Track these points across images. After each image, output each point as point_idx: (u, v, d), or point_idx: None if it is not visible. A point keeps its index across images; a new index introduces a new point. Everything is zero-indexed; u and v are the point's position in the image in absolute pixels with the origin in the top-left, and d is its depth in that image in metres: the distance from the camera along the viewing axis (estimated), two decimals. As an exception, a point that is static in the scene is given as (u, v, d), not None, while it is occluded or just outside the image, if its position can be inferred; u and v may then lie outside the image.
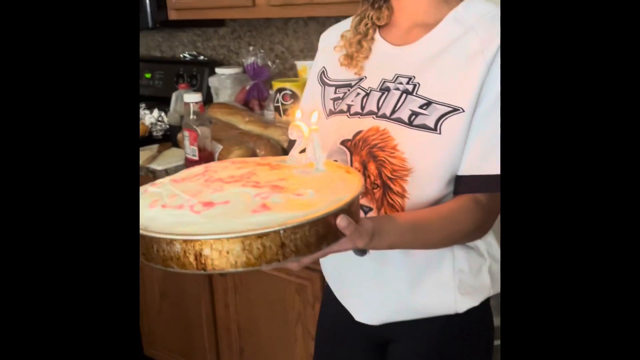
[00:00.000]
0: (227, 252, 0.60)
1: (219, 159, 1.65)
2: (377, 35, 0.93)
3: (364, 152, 0.87)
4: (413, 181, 0.83)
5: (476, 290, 0.91)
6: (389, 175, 0.85)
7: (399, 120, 0.84)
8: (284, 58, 2.03)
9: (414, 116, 0.84)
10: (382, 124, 0.86)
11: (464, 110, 0.81)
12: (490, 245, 0.93)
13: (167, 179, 0.75)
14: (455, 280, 0.89)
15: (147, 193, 0.70)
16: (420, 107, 0.83)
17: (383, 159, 0.85)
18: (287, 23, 1.99)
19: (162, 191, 0.69)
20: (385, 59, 0.91)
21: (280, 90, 1.78)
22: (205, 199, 0.65)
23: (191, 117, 1.62)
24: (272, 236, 0.61)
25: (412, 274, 0.90)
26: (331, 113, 0.93)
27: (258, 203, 0.64)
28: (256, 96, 1.93)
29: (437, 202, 0.85)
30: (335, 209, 0.65)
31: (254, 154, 1.64)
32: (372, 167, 0.86)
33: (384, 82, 0.89)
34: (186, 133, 1.64)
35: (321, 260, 1.04)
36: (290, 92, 1.78)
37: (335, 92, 0.95)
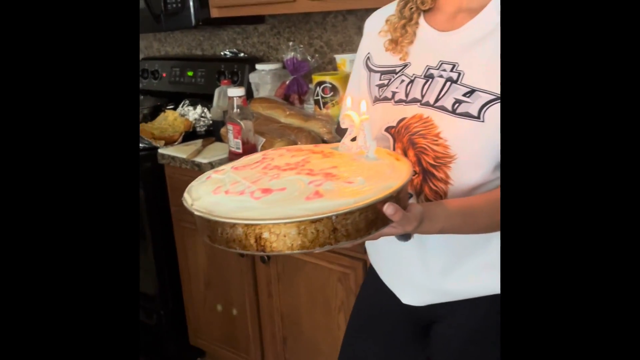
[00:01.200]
0: (284, 236, 0.65)
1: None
2: (421, 20, 0.94)
3: (405, 138, 0.89)
4: (456, 168, 0.85)
5: None
6: (432, 162, 0.87)
7: (443, 109, 0.86)
8: (322, 52, 2.06)
9: (457, 104, 0.85)
10: (426, 111, 0.88)
11: None
12: None
13: (228, 166, 0.79)
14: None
15: (211, 180, 0.75)
16: (464, 95, 0.85)
17: (424, 146, 0.87)
18: (326, 18, 2.02)
19: (224, 178, 0.74)
20: (429, 45, 0.92)
21: (320, 83, 1.81)
22: (264, 186, 0.70)
23: (235, 110, 1.67)
24: (324, 221, 0.65)
25: (454, 257, 0.92)
26: (377, 100, 0.96)
27: (312, 190, 0.68)
28: (296, 90, 1.97)
29: (482, 187, 0.86)
30: (384, 196, 0.68)
31: (296, 147, 1.68)
32: (411, 154, 0.88)
33: (428, 68, 0.90)
34: (230, 127, 1.68)
35: (367, 247, 1.08)
36: (330, 85, 1.80)
37: (380, 79, 0.97)
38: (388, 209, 0.68)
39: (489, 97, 0.83)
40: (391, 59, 0.96)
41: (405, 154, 0.89)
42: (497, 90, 0.83)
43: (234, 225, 0.65)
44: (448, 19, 0.92)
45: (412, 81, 0.91)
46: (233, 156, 1.72)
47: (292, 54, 1.94)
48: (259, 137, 1.72)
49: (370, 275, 1.08)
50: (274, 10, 1.87)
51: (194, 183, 0.76)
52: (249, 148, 1.68)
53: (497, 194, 0.84)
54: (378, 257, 1.04)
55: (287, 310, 1.73)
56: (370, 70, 0.99)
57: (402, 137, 0.90)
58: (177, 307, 2.07)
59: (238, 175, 0.74)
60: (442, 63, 0.89)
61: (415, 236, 0.91)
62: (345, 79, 1.80)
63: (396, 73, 0.94)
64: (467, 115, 0.84)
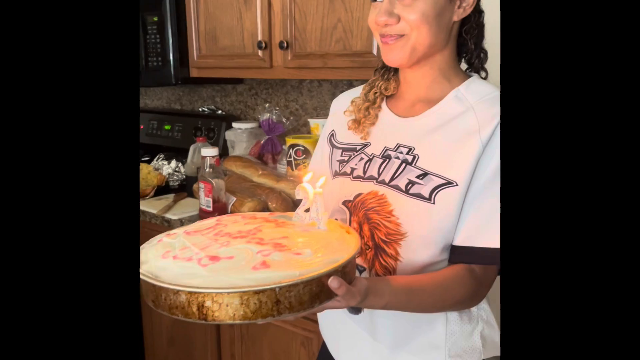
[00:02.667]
0: (227, 305, 0.65)
1: (232, 211, 1.71)
2: (384, 105, 0.99)
3: (360, 213, 0.92)
4: (406, 245, 0.88)
5: (467, 353, 0.93)
6: (383, 238, 0.89)
7: (397, 188, 0.90)
8: (298, 115, 2.12)
9: (410, 185, 0.89)
10: (381, 189, 0.91)
11: (457, 184, 0.85)
12: (483, 310, 0.96)
13: (180, 230, 0.80)
14: (448, 342, 0.92)
15: (162, 243, 0.76)
16: (417, 177, 0.88)
17: (377, 221, 0.90)
18: (302, 83, 2.09)
19: (174, 242, 0.75)
20: (389, 128, 0.97)
21: (293, 146, 1.85)
22: (212, 253, 0.71)
23: (207, 169, 1.69)
24: (268, 293, 0.65)
25: (402, 334, 0.93)
26: (336, 174, 0.99)
27: (259, 260, 0.70)
28: (270, 150, 2.01)
29: (430, 267, 0.88)
30: (329, 270, 0.69)
31: (266, 207, 1.69)
32: (365, 229, 0.91)
33: (386, 149, 0.94)
34: (202, 185, 1.70)
35: (319, 320, 1.08)
36: (302, 148, 1.85)
37: (341, 155, 1.01)
38: (332, 283, 0.69)
39: (440, 181, 0.87)
40: (353, 138, 1.00)
41: (361, 228, 0.91)
42: (449, 176, 0.86)
43: (177, 292, 0.65)
44: (408, 106, 0.96)
45: (370, 160, 0.95)
46: (203, 214, 1.73)
47: (268, 115, 1.99)
48: (230, 196, 1.74)
49: (323, 348, 1.08)
50: (252, 75, 1.93)
51: (145, 245, 0.77)
52: (220, 207, 1.70)
53: (444, 274, 0.86)
54: (328, 330, 1.05)
55: (248, 372, 1.70)
56: (333, 146, 1.04)
57: (358, 211, 0.93)
58: (138, 364, 2.02)
59: (188, 241, 0.75)
60: (399, 146, 0.93)
61: (366, 312, 0.92)
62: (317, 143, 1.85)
63: (356, 151, 0.98)
64: (419, 196, 0.87)
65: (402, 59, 0.90)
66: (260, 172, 1.84)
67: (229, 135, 2.13)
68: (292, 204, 1.69)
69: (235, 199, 1.73)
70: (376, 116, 0.99)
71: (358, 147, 0.99)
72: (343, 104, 1.05)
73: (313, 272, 0.68)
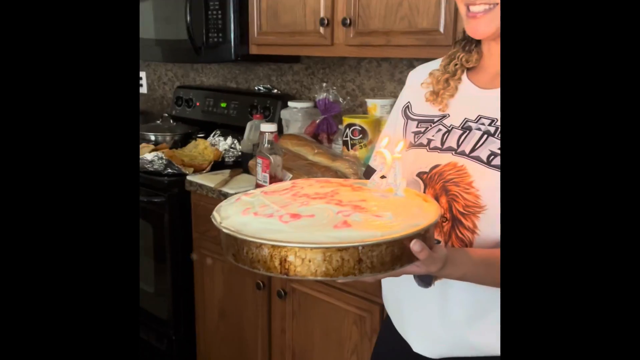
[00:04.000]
0: (309, 261, 0.65)
1: (287, 187, 1.71)
2: (464, 77, 0.97)
3: (438, 185, 0.90)
4: (485, 218, 0.86)
5: None
6: (461, 210, 0.87)
7: (477, 159, 0.88)
8: (354, 95, 2.11)
9: (492, 156, 0.86)
10: (461, 160, 0.89)
11: None
12: None
13: (258, 190, 0.81)
14: None
15: (240, 201, 0.76)
16: (500, 148, 0.86)
17: (456, 193, 0.88)
18: (360, 62, 2.07)
19: (254, 200, 0.76)
20: (470, 100, 0.95)
21: (349, 125, 1.84)
22: (293, 211, 0.71)
23: (265, 145, 1.70)
24: (351, 251, 0.65)
25: (475, 310, 0.91)
26: (411, 146, 0.98)
27: (340, 219, 0.69)
28: (325, 130, 2.00)
29: None
30: (412, 233, 0.69)
31: (322, 184, 1.70)
32: (443, 201, 0.89)
33: (467, 121, 0.92)
34: (259, 160, 1.71)
35: (383, 291, 1.07)
36: (359, 128, 1.83)
37: (417, 126, 0.99)
38: (415, 246, 0.69)
39: None
40: (430, 109, 0.99)
41: (437, 200, 0.90)
42: None
43: (260, 245, 0.66)
44: (490, 78, 0.94)
45: (449, 131, 0.93)
46: (259, 188, 1.74)
47: (325, 94, 1.98)
48: (286, 173, 1.74)
49: (386, 322, 1.07)
50: (312, 52, 1.92)
51: (223, 203, 0.78)
52: (276, 182, 1.71)
53: None
54: (394, 304, 1.04)
55: (298, 348, 1.71)
56: (407, 118, 1.02)
57: (434, 183, 0.91)
58: (189, 334, 2.06)
59: (267, 200, 0.75)
60: (480, 117, 0.91)
61: (437, 284, 0.90)
62: (375, 123, 1.83)
63: (434, 122, 0.97)
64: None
65: (489, 32, 0.88)
66: (316, 151, 1.84)
67: (284, 114, 2.13)
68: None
69: (291, 175, 1.74)
70: (456, 88, 0.97)
71: (436, 119, 0.97)
72: (420, 75, 1.03)
73: (395, 233, 0.67)
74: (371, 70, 2.05)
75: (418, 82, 1.03)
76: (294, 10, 1.85)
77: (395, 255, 0.68)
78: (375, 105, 1.91)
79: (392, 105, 1.20)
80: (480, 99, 0.93)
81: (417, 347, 0.98)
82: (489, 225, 0.86)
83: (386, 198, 0.78)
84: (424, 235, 0.70)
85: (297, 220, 0.69)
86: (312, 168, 1.77)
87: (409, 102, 1.04)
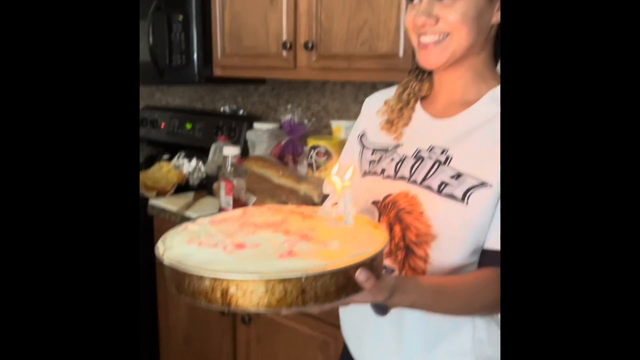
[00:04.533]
0: (251, 292, 0.63)
1: (251, 210, 1.70)
2: (417, 106, 0.98)
3: (392, 213, 0.90)
4: (437, 247, 0.86)
5: None
6: (414, 239, 0.87)
7: (429, 188, 0.88)
8: (320, 117, 2.11)
9: (443, 185, 0.87)
10: (412, 189, 0.89)
11: (492, 186, 0.83)
12: None
13: (206, 219, 0.79)
14: (475, 350, 0.89)
15: (187, 231, 0.75)
16: (451, 177, 0.87)
17: (409, 222, 0.88)
18: (325, 85, 2.08)
19: (200, 230, 0.74)
20: (422, 129, 0.95)
21: (314, 147, 1.84)
22: (238, 240, 0.70)
23: (228, 168, 1.69)
24: (293, 282, 0.64)
25: (430, 338, 0.91)
26: (366, 174, 0.98)
27: (286, 249, 0.68)
28: (291, 151, 2.00)
29: (459, 270, 0.86)
30: (357, 262, 0.67)
31: (285, 207, 1.68)
32: (397, 229, 0.89)
33: (419, 151, 0.93)
34: (222, 184, 1.70)
35: (341, 321, 1.06)
36: (323, 150, 1.83)
37: (372, 154, 0.99)
38: (360, 275, 0.67)
39: (474, 182, 0.85)
40: (385, 138, 0.99)
41: (392, 229, 0.90)
42: (483, 177, 0.85)
43: (201, 277, 0.64)
44: (443, 107, 0.95)
45: (402, 160, 0.94)
46: (222, 212, 1.72)
47: (290, 116, 1.99)
48: (250, 196, 1.73)
49: (345, 352, 1.06)
50: (275, 75, 1.93)
51: (169, 232, 0.76)
52: (240, 206, 1.69)
53: (473, 277, 0.84)
54: (350, 331, 1.02)
55: (263, 374, 1.68)
56: (363, 146, 1.02)
57: (388, 211, 0.91)
58: (152, 361, 2.02)
59: (214, 229, 0.74)
60: (432, 147, 0.92)
61: (393, 312, 0.90)
62: (340, 145, 1.84)
63: (388, 151, 0.97)
64: (451, 196, 0.86)
65: (439, 62, 0.89)
66: (280, 173, 1.83)
67: (249, 135, 2.12)
68: (313, 205, 1.68)
69: (255, 198, 1.72)
70: (410, 117, 0.97)
71: (390, 148, 0.97)
72: (375, 103, 1.04)
73: (340, 263, 0.66)
74: (335, 92, 2.06)
75: (374, 110, 1.03)
76: (257, 33, 1.85)
77: (340, 285, 0.67)
78: (339, 127, 1.92)
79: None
80: (433, 128, 0.94)
81: None
82: (440, 254, 0.86)
83: (335, 226, 0.77)
84: (370, 264, 0.69)
85: (241, 250, 0.68)
86: (276, 191, 1.76)
87: (364, 130, 1.04)
